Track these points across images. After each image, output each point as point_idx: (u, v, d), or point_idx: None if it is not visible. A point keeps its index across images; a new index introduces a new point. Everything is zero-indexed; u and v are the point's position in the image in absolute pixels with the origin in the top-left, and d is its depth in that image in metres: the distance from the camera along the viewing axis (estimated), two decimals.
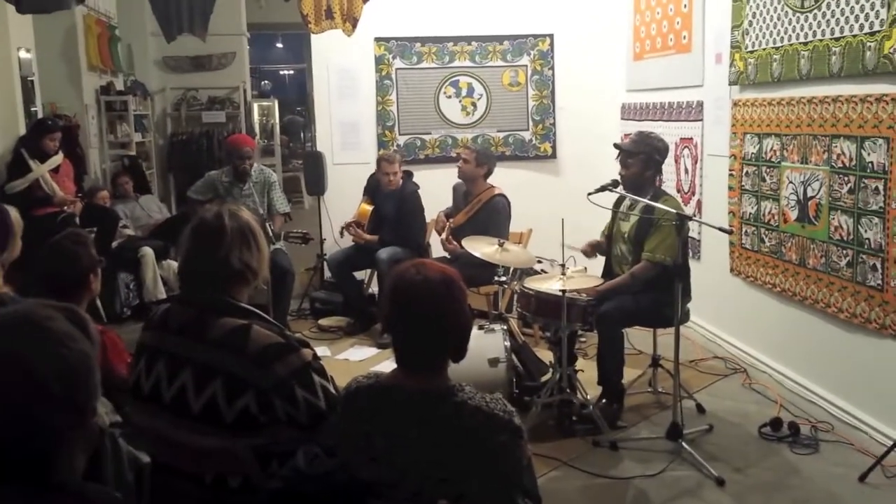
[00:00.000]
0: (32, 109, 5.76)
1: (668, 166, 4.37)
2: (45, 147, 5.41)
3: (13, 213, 2.95)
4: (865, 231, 3.84)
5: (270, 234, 4.64)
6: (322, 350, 5.24)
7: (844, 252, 4.01)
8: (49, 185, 5.42)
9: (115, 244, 6.04)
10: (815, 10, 4.13)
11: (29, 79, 5.71)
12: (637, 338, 4.85)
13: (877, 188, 3.74)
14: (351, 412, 1.92)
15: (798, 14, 4.28)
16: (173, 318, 2.10)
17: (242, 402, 1.94)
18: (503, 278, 4.50)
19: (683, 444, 3.68)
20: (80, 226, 5.21)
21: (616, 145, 4.41)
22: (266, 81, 13.05)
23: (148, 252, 6.03)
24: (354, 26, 5.51)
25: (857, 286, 3.93)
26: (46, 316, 1.23)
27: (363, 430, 1.87)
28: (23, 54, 5.60)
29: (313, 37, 6.43)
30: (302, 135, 13.84)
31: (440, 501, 1.77)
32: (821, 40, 4.10)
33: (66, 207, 5.46)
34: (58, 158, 5.55)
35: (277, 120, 10.87)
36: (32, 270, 2.80)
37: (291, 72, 15.86)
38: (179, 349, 2.03)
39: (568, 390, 4.00)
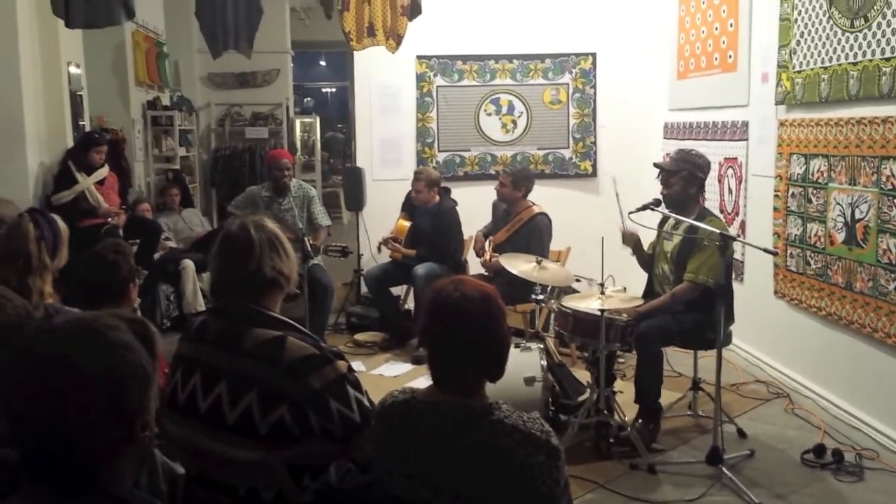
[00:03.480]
0: (81, 123, 5.86)
1: (711, 186, 4.30)
2: (91, 160, 5.51)
3: (60, 222, 3.01)
4: None
5: (308, 249, 4.66)
6: (357, 365, 5.23)
7: (893, 276, 3.90)
8: (94, 197, 5.50)
9: (156, 256, 6.12)
10: (865, 30, 4.05)
11: (78, 93, 5.82)
12: (678, 360, 4.76)
13: None
14: (385, 427, 1.90)
15: (847, 33, 4.20)
16: (209, 330, 2.10)
17: (277, 414, 1.93)
18: (540, 296, 4.45)
19: (724, 469, 3.59)
20: (123, 237, 5.28)
21: (656, 164, 4.36)
22: (308, 98, 13.19)
23: (189, 264, 6.10)
24: (399, 43, 5.54)
25: None
26: (109, 325, 1.24)
27: (397, 446, 1.84)
28: (73, 70, 5.71)
29: (356, 54, 6.48)
30: (342, 151, 13.96)
31: None
32: (871, 60, 4.02)
33: (110, 219, 5.54)
34: (103, 171, 5.64)
35: (319, 136, 10.95)
36: (73, 279, 2.84)
37: (333, 89, 15.99)
38: (215, 360, 2.03)
39: (605, 412, 3.94)
